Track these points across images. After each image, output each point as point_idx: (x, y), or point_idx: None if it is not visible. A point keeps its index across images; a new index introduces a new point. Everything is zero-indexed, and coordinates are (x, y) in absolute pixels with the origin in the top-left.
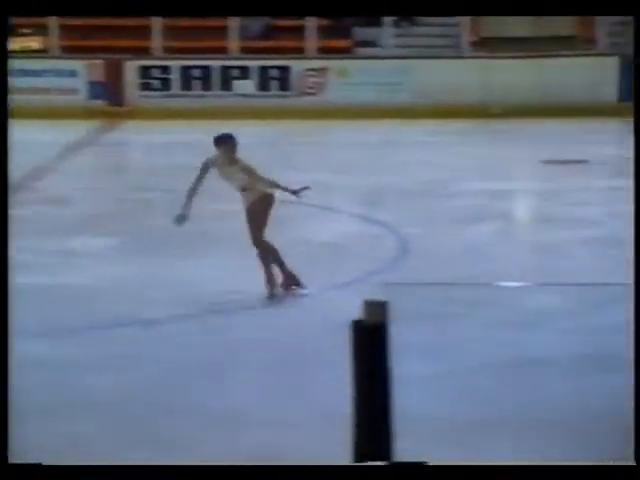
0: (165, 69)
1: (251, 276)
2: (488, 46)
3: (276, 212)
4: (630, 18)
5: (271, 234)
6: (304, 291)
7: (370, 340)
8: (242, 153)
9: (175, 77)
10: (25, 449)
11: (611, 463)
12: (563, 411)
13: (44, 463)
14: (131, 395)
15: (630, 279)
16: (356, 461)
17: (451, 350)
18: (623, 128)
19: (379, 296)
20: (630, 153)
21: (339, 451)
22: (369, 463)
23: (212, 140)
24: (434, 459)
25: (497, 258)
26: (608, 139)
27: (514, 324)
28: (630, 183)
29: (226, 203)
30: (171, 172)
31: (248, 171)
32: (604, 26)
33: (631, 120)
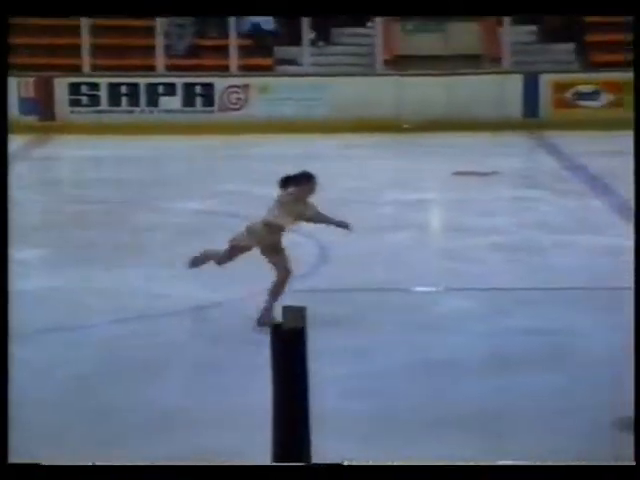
0: (94, 86)
1: (176, 283)
2: (400, 64)
3: (201, 223)
4: (533, 37)
5: (196, 245)
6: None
7: (288, 344)
8: (168, 167)
9: (104, 94)
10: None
11: (611, 463)
12: (471, 409)
13: (44, 463)
14: (63, 396)
15: (538, 284)
16: (275, 460)
17: (368, 352)
18: (528, 141)
19: (300, 301)
20: (535, 165)
21: (261, 449)
22: (287, 464)
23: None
24: (350, 456)
25: (412, 264)
26: (515, 152)
27: (428, 327)
28: (536, 193)
29: (155, 214)
30: (101, 185)
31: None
32: (508, 45)
33: (535, 134)
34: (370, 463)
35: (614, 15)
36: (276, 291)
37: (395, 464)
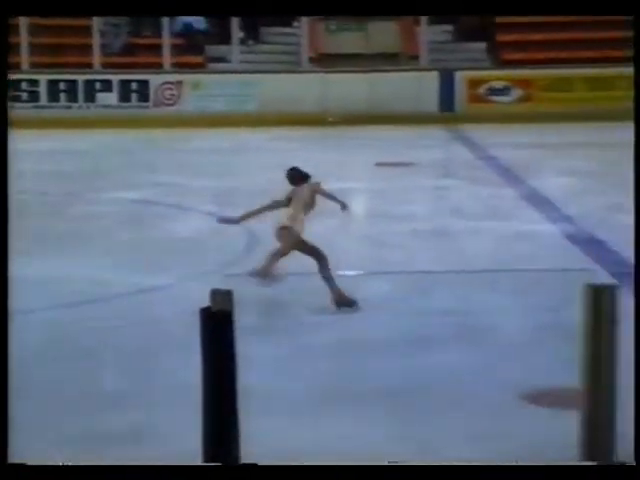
0: (34, 82)
1: (117, 270)
2: (325, 62)
3: (138, 212)
4: (449, 36)
5: (132, 232)
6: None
7: (216, 326)
8: (106, 159)
9: (43, 90)
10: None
11: (611, 463)
12: (391, 385)
13: (44, 463)
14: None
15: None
16: (204, 432)
17: (291, 333)
18: (445, 134)
19: (229, 286)
20: (451, 156)
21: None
22: (216, 463)
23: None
24: (276, 428)
25: (336, 250)
26: (432, 144)
27: (350, 309)
28: (452, 182)
29: (94, 205)
30: (39, 177)
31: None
32: (425, 44)
33: (450, 127)
34: (370, 463)
35: (614, 15)
36: (328, 276)
37: (394, 464)
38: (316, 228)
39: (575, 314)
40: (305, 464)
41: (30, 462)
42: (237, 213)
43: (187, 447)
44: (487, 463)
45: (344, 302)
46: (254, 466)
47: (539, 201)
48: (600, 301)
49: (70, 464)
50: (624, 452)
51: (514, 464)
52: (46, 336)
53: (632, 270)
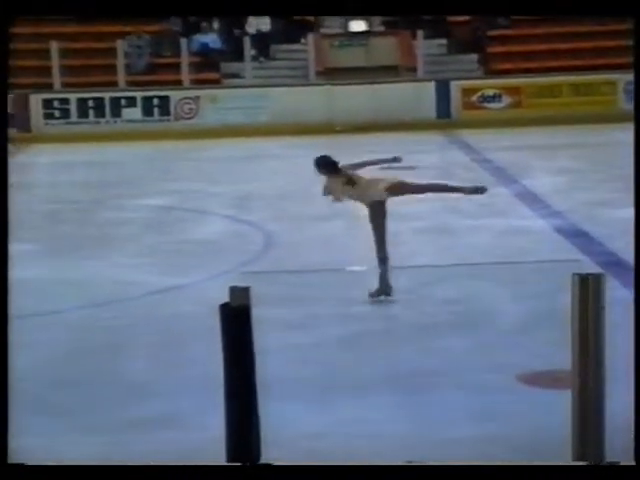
0: (65, 101)
1: (143, 271)
2: (330, 75)
3: (161, 218)
4: (444, 49)
5: (156, 236)
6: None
7: (235, 321)
8: (131, 169)
9: (73, 107)
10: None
11: (611, 463)
12: (399, 369)
13: (44, 463)
14: (42, 373)
15: (453, 261)
16: (227, 419)
17: (307, 326)
18: (442, 139)
19: (247, 283)
20: (448, 159)
21: (218, 411)
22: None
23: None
24: (293, 416)
25: (346, 248)
26: (431, 148)
27: (361, 302)
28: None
29: (120, 211)
30: (71, 186)
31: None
32: (422, 57)
33: (447, 133)
34: (369, 463)
35: (614, 15)
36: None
37: (394, 464)
38: (324, 229)
39: (566, 301)
40: (322, 464)
41: (30, 462)
42: (253, 216)
43: (210, 434)
44: (488, 463)
45: (385, 291)
46: (273, 466)
47: (531, 199)
48: (587, 288)
49: (70, 464)
50: (612, 429)
51: (514, 464)
52: (79, 333)
53: (617, 259)
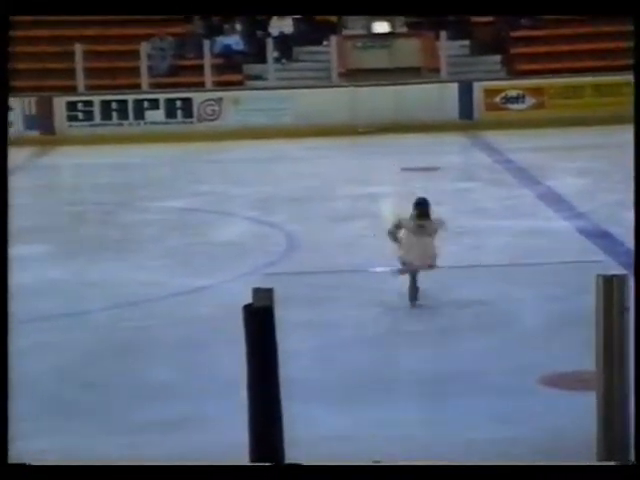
0: (88, 103)
1: (166, 272)
2: (353, 77)
3: (184, 219)
4: (466, 50)
5: (180, 238)
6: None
7: (258, 322)
8: (154, 171)
9: (97, 109)
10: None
11: (611, 463)
12: (425, 374)
13: (44, 463)
14: (67, 374)
15: (476, 262)
16: (250, 420)
17: (330, 327)
18: (465, 140)
19: (270, 285)
20: (471, 160)
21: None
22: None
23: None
24: (316, 415)
25: (367, 249)
26: (453, 149)
27: (382, 303)
28: (473, 184)
29: (143, 213)
30: (96, 189)
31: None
32: (445, 58)
33: (470, 134)
34: (370, 463)
35: (614, 15)
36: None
37: (394, 464)
38: (345, 230)
39: (589, 302)
40: (347, 464)
41: (30, 462)
42: (275, 217)
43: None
44: (489, 463)
45: (415, 296)
46: (298, 466)
47: (553, 200)
48: (611, 290)
49: (70, 464)
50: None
51: (514, 464)
52: (103, 334)
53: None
